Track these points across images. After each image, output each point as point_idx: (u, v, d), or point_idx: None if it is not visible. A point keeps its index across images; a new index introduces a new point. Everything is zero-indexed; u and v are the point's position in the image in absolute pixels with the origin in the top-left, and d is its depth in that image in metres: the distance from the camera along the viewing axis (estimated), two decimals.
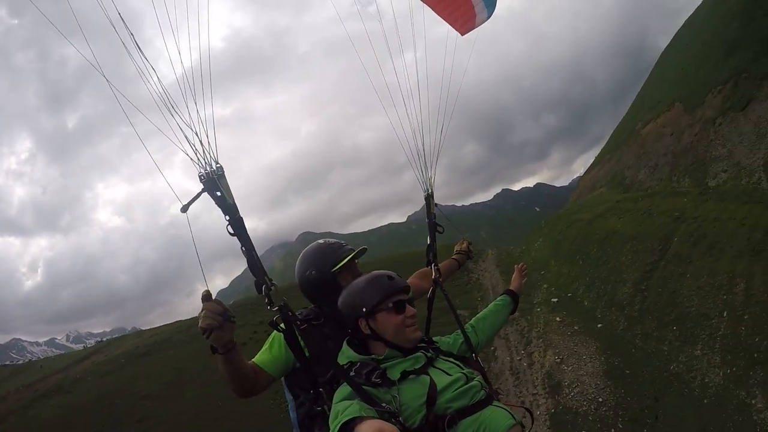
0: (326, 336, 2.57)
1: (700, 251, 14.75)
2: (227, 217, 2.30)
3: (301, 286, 2.81)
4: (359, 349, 2.37)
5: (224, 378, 2.28)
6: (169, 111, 2.18)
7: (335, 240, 2.91)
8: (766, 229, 13.32)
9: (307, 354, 2.44)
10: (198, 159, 2.23)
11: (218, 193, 2.25)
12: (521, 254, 30.25)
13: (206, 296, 2.11)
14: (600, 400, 13.20)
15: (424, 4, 4.21)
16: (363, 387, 2.10)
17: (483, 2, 4.42)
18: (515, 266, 3.55)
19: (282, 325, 2.39)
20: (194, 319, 27.03)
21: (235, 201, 2.29)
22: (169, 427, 16.30)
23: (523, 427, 2.20)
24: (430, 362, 2.32)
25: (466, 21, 4.46)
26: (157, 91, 2.16)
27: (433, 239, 3.54)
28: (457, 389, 2.18)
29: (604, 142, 44.96)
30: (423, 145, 3.49)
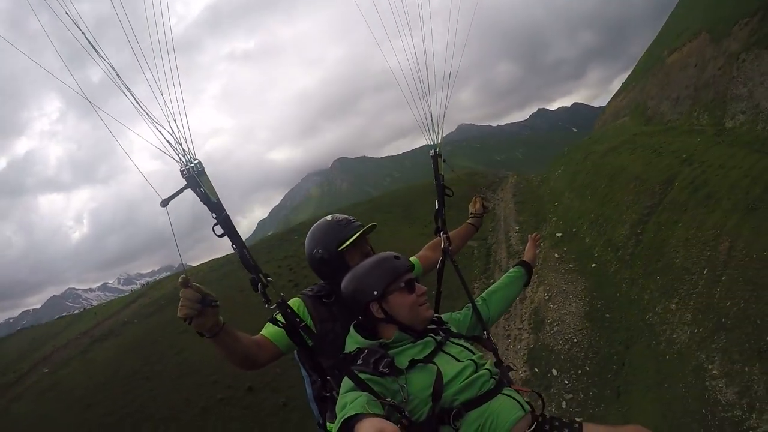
0: (335, 316, 2.63)
1: (696, 200, 14.58)
2: (213, 215, 2.24)
3: (310, 264, 2.83)
4: (367, 333, 2.36)
5: (223, 357, 2.32)
6: (142, 111, 2.18)
7: (343, 216, 2.88)
8: (766, 185, 12.87)
9: (315, 331, 2.50)
10: (178, 156, 2.20)
11: (201, 190, 2.22)
12: (540, 183, 30.27)
13: (183, 283, 2.08)
14: (575, 340, 13.82)
15: None
16: (364, 380, 2.07)
17: None
18: (529, 236, 3.45)
19: (282, 321, 2.42)
20: (227, 256, 31.23)
21: (219, 198, 2.25)
22: (202, 355, 18.44)
23: (534, 412, 2.21)
24: (439, 347, 2.31)
25: None
26: (131, 99, 2.17)
27: (441, 204, 3.35)
28: (464, 380, 2.17)
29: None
30: (429, 100, 3.28)
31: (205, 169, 2.23)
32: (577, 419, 2.35)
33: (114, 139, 2.19)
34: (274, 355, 2.50)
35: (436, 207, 3.32)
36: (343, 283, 2.44)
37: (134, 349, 21.79)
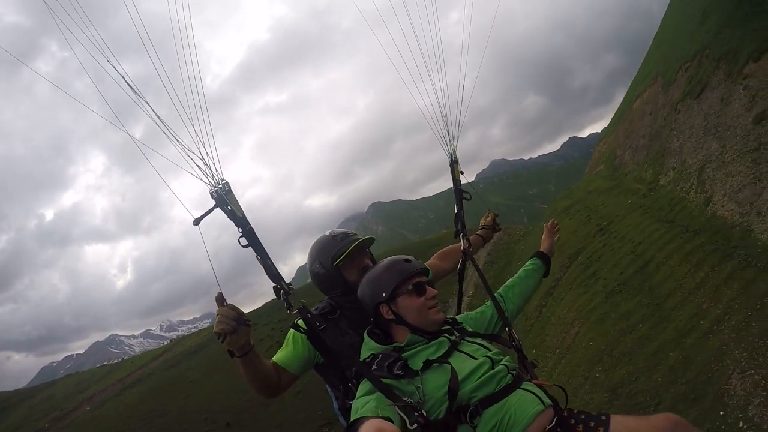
0: (343, 330, 2.63)
1: (583, 278, 14.70)
2: (240, 230, 2.39)
3: (312, 279, 2.88)
4: (380, 338, 2.38)
5: (244, 380, 2.37)
6: (174, 140, 2.38)
7: (342, 231, 2.89)
8: (638, 267, 12.54)
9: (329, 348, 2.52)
10: (206, 178, 2.37)
11: (228, 208, 2.37)
12: (521, 237, 31.01)
13: (220, 300, 2.19)
14: None
15: None
16: (383, 381, 2.10)
17: None
18: (544, 225, 3.39)
19: (303, 327, 2.49)
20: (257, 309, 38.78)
21: (245, 213, 2.44)
22: (200, 399, 27.12)
23: (556, 406, 2.16)
24: (454, 346, 2.28)
25: None
26: (167, 132, 2.38)
27: (460, 207, 3.42)
28: (481, 376, 2.13)
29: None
30: (446, 108, 3.33)
31: (233, 190, 2.44)
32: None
33: (156, 173, 2.40)
34: (290, 380, 2.55)
35: (455, 211, 3.43)
36: (359, 287, 2.50)
37: (154, 394, 30.28)
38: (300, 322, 2.51)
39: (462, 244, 3.29)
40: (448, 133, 3.38)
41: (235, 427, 24.02)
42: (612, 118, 42.40)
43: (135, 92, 2.33)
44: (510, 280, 3.01)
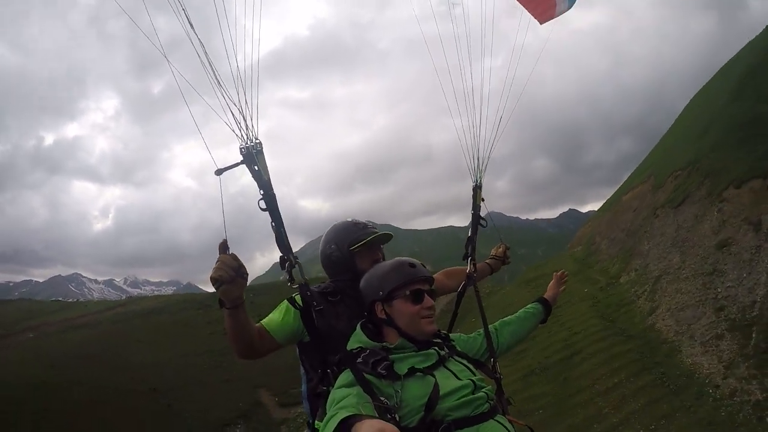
0: (339, 314, 2.58)
1: (510, 353, 13.83)
2: (261, 192, 2.35)
3: (321, 259, 2.85)
4: (372, 334, 2.33)
5: (228, 334, 2.30)
6: (219, 88, 2.29)
7: (364, 221, 2.89)
8: (561, 357, 12.15)
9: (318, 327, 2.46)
10: (240, 134, 2.32)
11: (255, 168, 2.32)
12: (488, 294, 30.42)
13: (223, 247, 2.11)
14: None
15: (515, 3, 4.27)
16: (366, 377, 2.04)
17: None
18: (554, 273, 3.38)
19: (299, 303, 2.44)
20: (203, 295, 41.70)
21: (270, 178, 2.37)
22: (139, 359, 28.16)
23: None
24: (441, 361, 2.23)
25: (547, 9, 4.42)
26: (211, 73, 2.29)
27: (474, 232, 3.43)
28: (461, 398, 2.08)
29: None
30: (479, 136, 3.42)
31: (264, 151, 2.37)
32: None
33: (186, 105, 2.32)
34: (271, 347, 2.49)
35: (468, 235, 3.43)
36: (362, 280, 2.47)
37: (96, 341, 31.18)
38: (297, 297, 2.46)
39: (468, 267, 3.28)
40: (478, 159, 3.45)
41: (161, 392, 24.58)
42: (603, 204, 42.77)
43: (190, 27, 2.28)
44: (508, 317, 2.99)
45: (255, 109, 2.33)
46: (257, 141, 2.34)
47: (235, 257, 2.11)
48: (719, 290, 14.39)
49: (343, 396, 1.91)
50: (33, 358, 27.83)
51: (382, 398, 1.95)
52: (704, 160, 20.66)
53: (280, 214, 2.38)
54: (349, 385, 2.03)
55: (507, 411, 2.41)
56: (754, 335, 12.11)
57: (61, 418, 21.52)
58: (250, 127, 2.33)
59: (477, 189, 3.48)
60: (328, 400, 2.00)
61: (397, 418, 1.92)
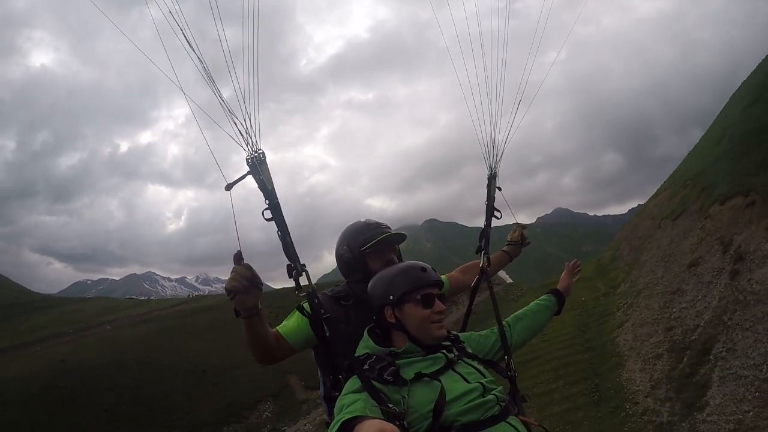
0: (350, 319, 2.60)
1: None
2: (266, 202, 2.38)
3: (336, 260, 2.89)
4: (379, 339, 2.33)
5: (246, 341, 2.36)
6: (220, 100, 2.41)
7: (377, 221, 2.88)
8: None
9: (327, 334, 2.45)
10: (245, 144, 2.37)
11: (260, 178, 2.36)
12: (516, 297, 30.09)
13: (237, 258, 2.18)
14: None
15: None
16: (373, 383, 2.05)
17: None
18: (566, 263, 3.34)
19: (308, 311, 2.45)
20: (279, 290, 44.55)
21: (274, 187, 2.41)
22: (191, 348, 36.49)
23: None
24: (450, 365, 2.23)
25: None
26: (213, 91, 2.43)
27: (488, 225, 3.36)
28: (469, 401, 2.08)
29: None
30: (493, 123, 3.30)
31: (267, 161, 2.41)
32: None
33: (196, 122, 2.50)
34: (287, 352, 2.53)
35: (483, 227, 3.37)
36: (370, 283, 2.45)
37: (159, 334, 38.80)
38: (305, 305, 2.46)
39: (482, 261, 3.21)
40: (493, 146, 3.31)
41: (209, 374, 32.04)
42: (638, 208, 40.85)
43: (195, 55, 2.39)
44: (521, 311, 2.94)
45: (257, 117, 2.38)
46: (260, 151, 2.37)
47: (249, 267, 2.15)
48: (674, 310, 14.04)
49: (351, 402, 1.91)
50: (109, 345, 36.49)
51: (390, 405, 1.95)
52: (708, 171, 19.75)
53: (285, 222, 2.38)
54: (356, 392, 2.03)
55: (522, 410, 2.38)
56: (685, 359, 11.91)
57: (128, 388, 30.11)
58: (254, 137, 2.37)
59: (492, 179, 3.37)
60: (336, 407, 2.00)
61: (406, 425, 1.94)
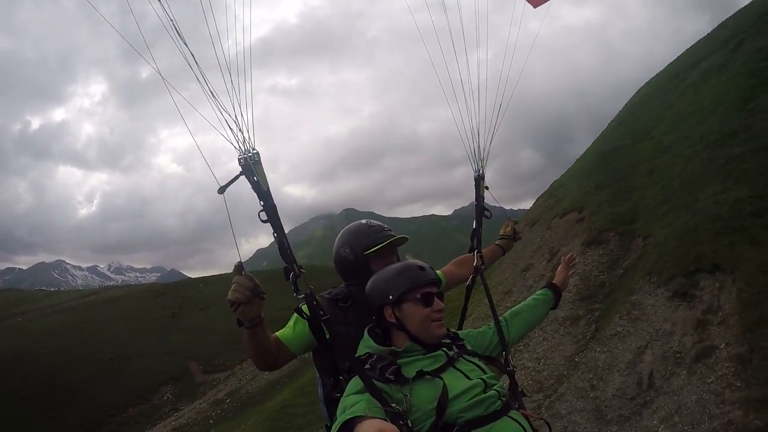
0: (349, 321, 2.58)
1: None
2: (261, 203, 2.31)
3: (335, 262, 2.84)
4: (380, 339, 2.34)
5: (247, 350, 2.33)
6: (213, 100, 2.28)
7: (379, 223, 2.86)
8: None
9: (328, 336, 2.41)
10: (238, 144, 2.29)
11: (254, 178, 2.29)
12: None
13: (238, 269, 2.14)
14: None
15: None
16: (375, 383, 2.04)
17: None
18: (562, 258, 3.34)
19: (306, 313, 2.38)
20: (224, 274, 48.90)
21: (269, 188, 2.33)
22: (106, 342, 39.60)
23: None
24: (450, 362, 2.24)
25: None
26: (207, 88, 2.27)
27: (479, 224, 3.39)
28: (472, 398, 2.09)
29: None
30: (477, 125, 3.34)
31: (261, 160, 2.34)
32: None
33: (183, 121, 2.28)
34: (289, 357, 2.51)
35: (473, 227, 3.38)
36: (368, 283, 2.44)
37: (71, 324, 41.46)
38: (304, 307, 2.40)
39: (476, 260, 3.24)
40: (480, 148, 3.37)
41: (116, 360, 36.39)
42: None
43: (184, 44, 2.25)
44: (517, 306, 2.99)
45: (250, 116, 2.33)
46: (255, 151, 2.32)
47: (251, 278, 2.12)
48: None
49: (354, 403, 1.91)
50: (21, 336, 39.17)
51: (392, 404, 1.96)
52: (565, 184, 21.89)
53: (281, 224, 2.35)
54: (358, 392, 2.03)
55: (522, 405, 2.43)
56: None
57: (42, 376, 33.30)
58: (247, 137, 2.31)
59: (479, 179, 3.41)
60: (338, 408, 1.99)
61: (410, 424, 1.95)
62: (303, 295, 2.33)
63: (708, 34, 26.52)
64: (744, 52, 17.92)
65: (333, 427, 1.82)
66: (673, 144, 16.60)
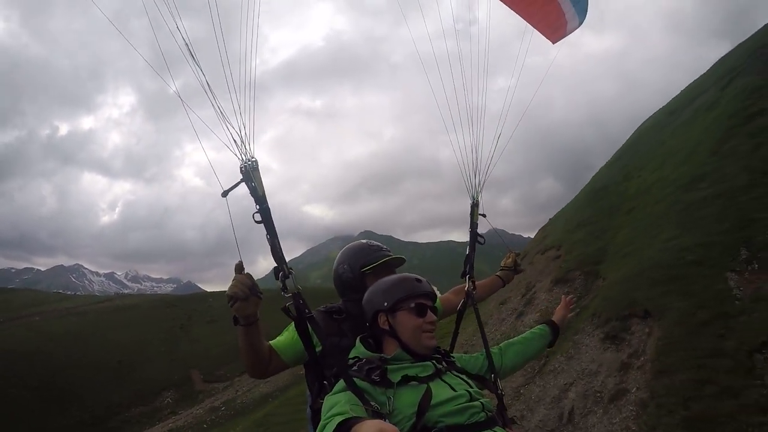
0: (343, 332, 2.64)
1: None
2: (257, 206, 2.42)
3: (333, 278, 2.95)
4: (371, 347, 2.39)
5: (241, 351, 2.39)
6: (217, 111, 2.44)
7: (378, 244, 2.98)
8: None
9: (319, 347, 2.46)
10: (239, 154, 2.43)
11: (252, 184, 2.41)
12: None
13: (239, 267, 2.24)
14: None
15: (518, 16, 4.16)
16: (359, 383, 2.08)
17: (574, 9, 4.31)
18: (562, 297, 3.41)
19: (293, 312, 2.41)
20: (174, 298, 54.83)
21: (266, 193, 2.47)
22: (116, 346, 42.75)
23: None
24: (438, 374, 2.25)
25: (558, 29, 4.38)
26: (213, 102, 2.44)
27: (472, 249, 3.47)
28: (456, 405, 2.11)
29: None
30: (475, 158, 3.43)
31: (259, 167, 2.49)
32: None
33: (195, 132, 2.47)
34: (280, 366, 2.57)
35: (467, 252, 3.46)
36: (366, 292, 2.50)
37: (84, 326, 44.59)
38: (290, 307, 2.42)
39: (467, 285, 3.30)
40: (476, 175, 3.43)
41: (124, 364, 39.38)
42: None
43: (190, 53, 2.39)
44: (513, 338, 3.00)
45: (251, 130, 2.46)
46: (253, 159, 2.44)
47: (249, 276, 2.21)
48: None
49: (335, 402, 1.93)
50: (37, 335, 41.75)
51: (372, 403, 1.98)
52: (554, 220, 21.88)
53: (274, 225, 2.43)
54: (341, 391, 2.06)
55: (509, 425, 2.42)
56: None
57: (53, 373, 36.31)
58: (247, 146, 2.43)
59: (474, 206, 3.51)
60: (323, 407, 2.01)
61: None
62: (290, 294, 2.38)
63: (710, 68, 25.91)
64: (732, 89, 17.95)
65: (319, 428, 1.82)
66: (654, 184, 16.63)
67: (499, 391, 2.64)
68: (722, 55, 26.22)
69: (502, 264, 3.71)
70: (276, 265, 2.41)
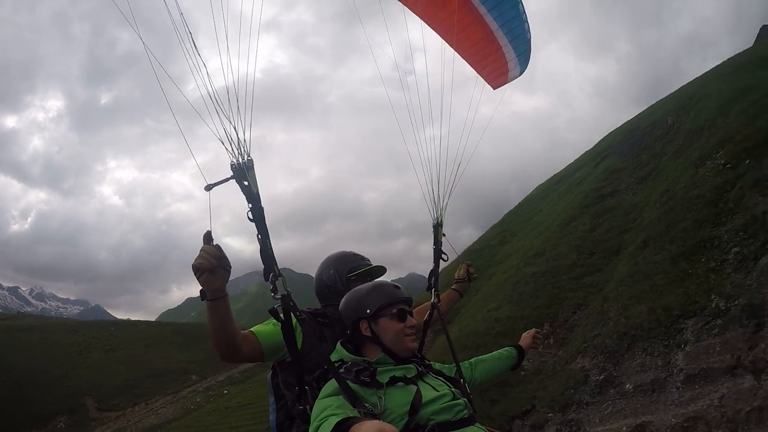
0: (323, 336, 2.65)
1: None
2: (250, 205, 2.36)
3: (315, 284, 2.99)
4: (352, 352, 2.39)
5: (209, 330, 2.28)
6: (213, 104, 2.37)
7: (360, 253, 3.09)
8: None
9: (299, 348, 2.44)
10: (232, 150, 2.37)
11: (245, 183, 2.35)
12: None
13: (207, 237, 2.17)
14: None
15: (460, 58, 4.22)
16: (349, 385, 2.10)
17: (516, 59, 4.45)
18: (535, 329, 3.53)
19: (281, 314, 2.37)
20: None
21: (259, 192, 2.41)
22: (10, 370, 39.40)
23: None
24: (420, 375, 2.33)
25: (500, 75, 4.52)
26: (208, 91, 2.36)
27: (436, 264, 3.56)
28: (443, 404, 2.18)
29: None
30: (436, 186, 3.62)
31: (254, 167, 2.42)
32: None
33: (182, 132, 2.45)
34: (254, 353, 2.47)
35: (431, 268, 3.56)
36: (343, 299, 2.51)
37: None
38: (279, 309, 2.39)
39: (432, 297, 3.38)
40: (438, 198, 3.64)
41: (24, 388, 37.64)
42: None
43: (193, 49, 2.36)
44: (483, 356, 3.11)
45: (248, 126, 2.42)
46: (249, 158, 2.40)
47: (218, 247, 2.14)
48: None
49: (327, 405, 1.95)
50: None
51: (366, 405, 2.00)
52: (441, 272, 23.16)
53: (266, 225, 2.39)
54: (333, 394, 2.07)
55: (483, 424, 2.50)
56: None
57: None
58: (242, 143, 2.39)
59: (437, 227, 3.65)
60: (314, 411, 2.00)
61: None
62: (280, 296, 2.36)
63: (597, 142, 27.63)
64: (601, 168, 19.28)
65: (323, 425, 1.81)
66: (513, 254, 17.57)
67: (468, 395, 2.72)
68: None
69: (456, 276, 3.80)
70: (266, 266, 2.37)
